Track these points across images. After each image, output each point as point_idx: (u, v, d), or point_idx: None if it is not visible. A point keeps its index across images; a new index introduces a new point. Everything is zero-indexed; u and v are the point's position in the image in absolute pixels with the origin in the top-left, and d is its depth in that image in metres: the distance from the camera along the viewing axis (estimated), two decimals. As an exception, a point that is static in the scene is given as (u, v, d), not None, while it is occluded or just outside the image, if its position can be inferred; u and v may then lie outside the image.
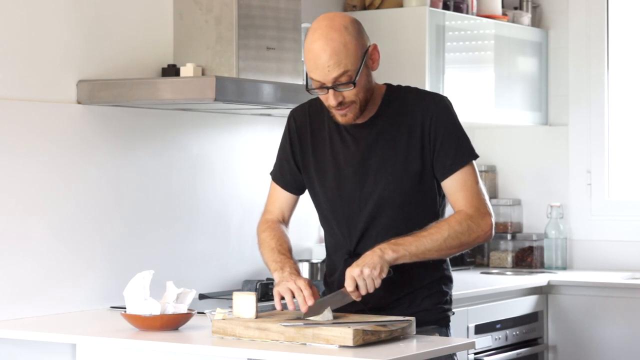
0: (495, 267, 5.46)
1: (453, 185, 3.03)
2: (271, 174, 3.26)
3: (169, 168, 4.05)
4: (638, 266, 5.24)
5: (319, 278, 4.28)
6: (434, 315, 3.09)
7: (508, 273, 5.22)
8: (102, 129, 3.80)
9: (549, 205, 5.39)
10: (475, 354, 4.39)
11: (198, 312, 3.34)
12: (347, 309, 2.97)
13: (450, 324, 3.15)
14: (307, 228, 4.53)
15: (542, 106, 5.48)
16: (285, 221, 3.24)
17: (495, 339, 4.52)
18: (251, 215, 4.22)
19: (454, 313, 3.17)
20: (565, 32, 5.49)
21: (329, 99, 2.97)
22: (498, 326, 4.55)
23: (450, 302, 3.15)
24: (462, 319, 4.29)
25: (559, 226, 5.36)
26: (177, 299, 3.26)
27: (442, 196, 3.11)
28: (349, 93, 2.96)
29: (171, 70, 3.92)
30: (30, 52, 3.59)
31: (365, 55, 2.97)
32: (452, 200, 3.04)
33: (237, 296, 3.02)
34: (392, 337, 2.87)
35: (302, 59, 3.88)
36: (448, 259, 3.13)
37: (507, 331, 4.61)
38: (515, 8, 5.46)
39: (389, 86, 3.13)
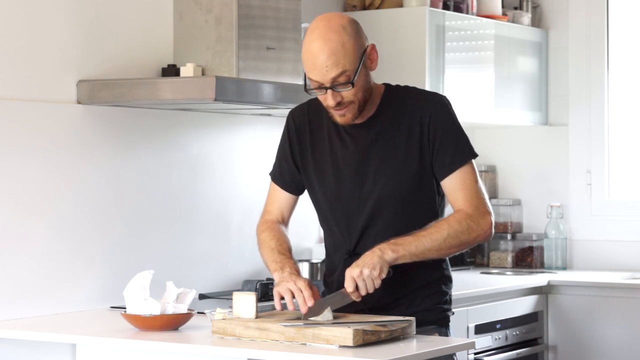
0: (495, 267, 5.46)
1: (452, 185, 3.03)
2: (270, 174, 3.26)
3: (169, 168, 4.04)
4: (638, 266, 5.24)
5: (319, 278, 4.28)
6: (434, 315, 3.09)
7: (508, 273, 5.22)
8: (102, 129, 3.80)
9: (549, 205, 5.39)
10: (475, 354, 4.39)
11: (198, 312, 3.34)
12: (347, 309, 2.97)
13: (450, 324, 3.15)
14: (307, 228, 4.53)
15: (542, 106, 5.48)
16: (284, 221, 3.24)
17: (495, 339, 4.52)
18: (251, 215, 4.22)
19: (453, 313, 3.17)
20: (565, 32, 5.49)
21: (328, 99, 2.97)
22: (498, 326, 4.55)
23: (450, 302, 3.15)
24: (462, 319, 4.29)
25: (559, 226, 5.36)
26: (177, 299, 3.26)
27: (442, 195, 3.11)
28: (348, 93, 2.96)
29: (171, 70, 3.92)
30: (30, 52, 3.59)
31: (364, 55, 2.97)
32: (452, 200, 3.05)
33: (237, 296, 3.02)
34: (392, 337, 2.87)
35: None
36: (447, 258, 3.13)
37: (507, 331, 4.61)
38: (515, 8, 5.46)
39: (387, 86, 3.13)
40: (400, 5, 4.86)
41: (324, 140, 3.13)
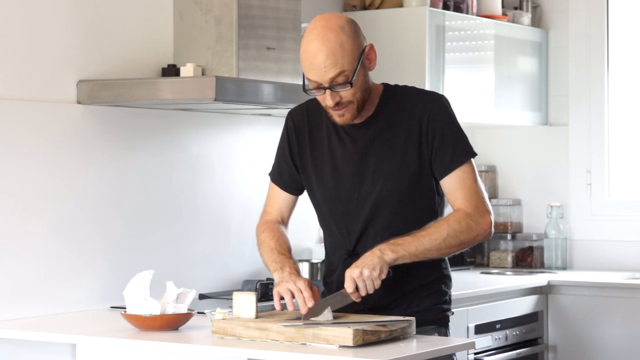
0: (495, 267, 5.46)
1: (452, 184, 3.03)
2: (270, 174, 3.26)
3: (169, 168, 4.05)
4: (638, 266, 5.24)
5: (318, 278, 4.28)
6: (433, 315, 3.09)
7: (508, 273, 5.22)
8: (102, 129, 3.80)
9: (549, 205, 5.39)
10: (475, 354, 4.39)
11: (198, 312, 3.34)
12: (347, 308, 2.97)
13: (450, 324, 3.15)
14: (307, 228, 4.53)
15: (542, 106, 5.48)
16: (284, 222, 3.24)
17: (495, 339, 4.52)
18: (251, 215, 4.22)
19: (453, 313, 3.17)
20: (565, 32, 5.49)
21: (326, 100, 2.97)
22: (498, 326, 4.55)
23: (449, 302, 3.15)
24: (462, 319, 4.29)
25: (559, 226, 5.36)
26: (177, 299, 3.26)
27: (441, 195, 3.11)
28: (346, 93, 2.96)
29: (171, 70, 3.92)
30: (30, 52, 3.59)
31: (362, 55, 2.97)
32: (451, 199, 3.04)
33: (237, 296, 3.02)
34: (392, 337, 2.86)
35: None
36: (447, 258, 3.13)
37: (507, 331, 4.61)
38: (515, 8, 5.46)
39: (386, 86, 3.13)
40: (400, 5, 4.86)
41: (323, 140, 3.13)
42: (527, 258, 5.45)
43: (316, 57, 2.92)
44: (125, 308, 3.26)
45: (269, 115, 4.30)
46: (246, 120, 4.36)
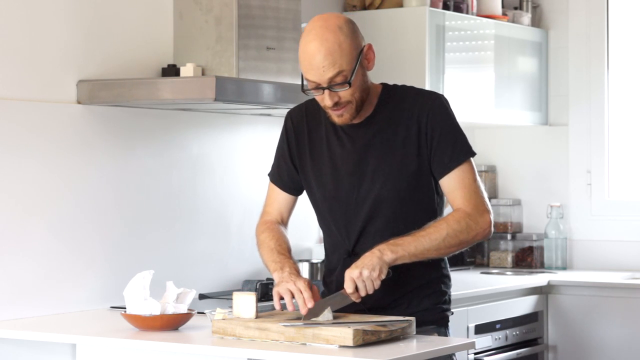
0: (495, 267, 5.46)
1: (451, 184, 3.03)
2: (269, 175, 3.26)
3: (169, 168, 4.05)
4: (638, 266, 5.24)
5: (318, 278, 4.28)
6: (433, 315, 3.09)
7: (508, 273, 5.22)
8: (102, 129, 3.80)
9: (549, 205, 5.39)
10: (475, 354, 4.39)
11: (198, 312, 3.34)
12: (346, 309, 2.97)
13: (450, 324, 3.15)
14: (307, 228, 4.53)
15: (542, 106, 5.48)
16: (284, 222, 3.24)
17: (495, 339, 4.52)
18: (251, 215, 4.22)
19: (452, 313, 3.17)
20: (565, 32, 5.49)
21: (325, 100, 2.97)
22: (498, 326, 4.55)
23: (449, 302, 3.15)
24: (462, 319, 4.29)
25: (559, 226, 5.36)
26: (177, 299, 3.26)
27: (441, 195, 3.11)
28: (345, 93, 2.96)
29: (171, 70, 3.92)
30: (30, 52, 3.59)
31: (360, 55, 2.97)
32: (450, 199, 3.04)
33: (237, 296, 3.02)
34: (392, 337, 2.86)
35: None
36: (446, 257, 3.12)
37: (507, 331, 4.61)
38: (515, 8, 5.46)
39: (385, 86, 3.13)
40: (400, 5, 4.86)
41: (322, 140, 3.13)
42: (527, 258, 5.45)
43: (314, 57, 2.92)
44: (125, 308, 3.26)
45: (269, 115, 4.30)
46: (246, 120, 4.36)
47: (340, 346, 2.77)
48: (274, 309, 3.06)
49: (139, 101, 3.70)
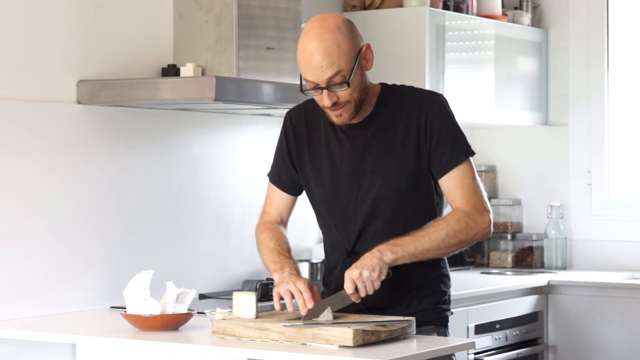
0: (495, 267, 5.46)
1: (450, 183, 3.03)
2: (268, 175, 3.26)
3: (169, 168, 4.05)
4: (638, 266, 5.24)
5: (318, 278, 4.28)
6: (433, 315, 3.09)
7: (508, 273, 5.22)
8: (102, 129, 3.80)
9: (549, 205, 5.39)
10: (475, 354, 4.39)
11: (198, 312, 3.34)
12: (346, 308, 2.97)
13: (449, 323, 3.15)
14: (307, 228, 4.53)
15: (542, 106, 5.48)
16: (283, 222, 3.24)
17: (495, 339, 4.52)
18: (251, 215, 4.22)
19: (452, 313, 3.17)
20: (565, 32, 5.49)
21: (324, 100, 2.97)
22: (498, 326, 4.55)
23: (448, 301, 3.15)
24: (462, 319, 4.29)
25: (559, 226, 5.36)
26: (177, 299, 3.26)
27: (440, 195, 3.11)
28: (344, 93, 2.96)
29: (171, 70, 3.92)
30: (30, 52, 3.59)
31: (359, 55, 2.97)
32: (450, 198, 3.05)
33: (237, 296, 3.02)
34: (392, 337, 2.86)
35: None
36: (446, 257, 3.12)
37: (507, 331, 4.61)
38: (515, 8, 5.46)
39: (384, 85, 3.13)
40: (400, 5, 4.86)
41: (321, 140, 3.13)
42: (527, 258, 5.45)
43: (313, 58, 2.92)
44: (125, 308, 3.26)
45: (269, 115, 4.30)
46: (246, 120, 4.36)
47: (340, 346, 2.77)
48: (274, 309, 3.06)
49: (139, 101, 3.70)
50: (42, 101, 3.62)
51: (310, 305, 2.90)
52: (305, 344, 2.82)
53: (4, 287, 3.49)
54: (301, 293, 2.91)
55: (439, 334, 3.07)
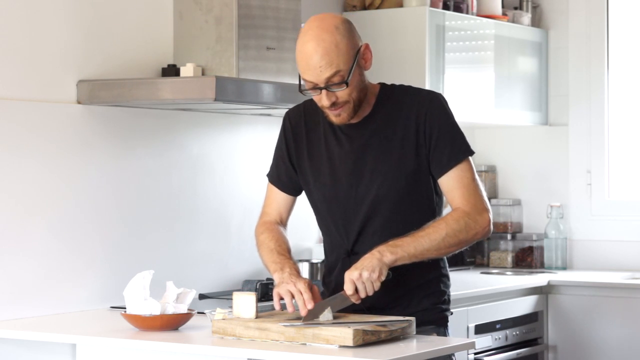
0: (495, 267, 5.46)
1: (449, 183, 3.03)
2: (268, 175, 3.26)
3: (169, 168, 4.04)
4: (638, 266, 5.24)
5: (318, 278, 4.28)
6: (432, 315, 3.09)
7: (508, 273, 5.22)
8: (102, 129, 3.80)
9: (549, 205, 5.39)
10: (475, 354, 4.39)
11: (198, 312, 3.34)
12: (346, 308, 2.96)
13: (449, 323, 3.15)
14: (307, 228, 4.53)
15: (542, 106, 5.48)
16: (283, 222, 3.24)
17: (495, 339, 4.52)
18: (251, 215, 4.22)
19: (452, 313, 3.17)
20: (565, 32, 5.49)
21: (322, 100, 2.97)
22: (498, 326, 4.55)
23: (448, 301, 3.15)
24: (462, 319, 4.29)
25: (559, 226, 5.36)
26: (177, 299, 3.26)
27: (440, 194, 3.11)
28: (342, 93, 2.96)
29: (171, 70, 3.92)
30: (30, 52, 3.59)
31: (357, 55, 2.97)
32: (449, 198, 3.05)
33: (237, 296, 3.02)
34: (392, 337, 2.86)
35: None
36: (445, 257, 3.12)
37: (507, 331, 4.61)
38: (515, 8, 5.46)
39: (382, 85, 3.13)
40: (400, 5, 4.86)
41: (320, 140, 3.13)
42: (527, 258, 5.45)
43: (312, 58, 2.92)
44: (125, 308, 3.26)
45: (269, 115, 4.30)
46: (246, 120, 4.36)
47: (340, 346, 2.77)
48: (274, 309, 3.06)
49: (139, 101, 3.70)
50: (42, 101, 3.62)
51: (310, 305, 2.90)
52: (305, 344, 2.82)
53: (4, 287, 3.49)
54: (301, 294, 2.91)
55: (439, 334, 3.07)
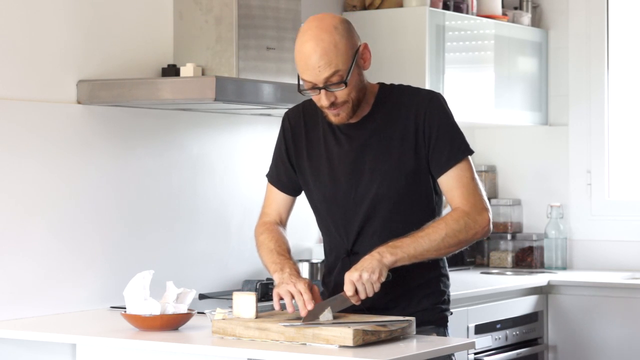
0: (495, 267, 5.46)
1: (449, 182, 3.03)
2: (267, 176, 3.26)
3: (169, 168, 4.04)
4: (638, 266, 5.24)
5: (318, 278, 4.28)
6: (432, 315, 3.09)
7: (508, 273, 5.22)
8: (102, 129, 3.80)
9: (549, 205, 5.39)
10: (475, 354, 4.39)
11: (198, 312, 3.34)
12: (346, 308, 2.96)
13: (449, 323, 3.15)
14: (307, 228, 4.53)
15: (542, 106, 5.48)
16: (282, 223, 3.24)
17: (495, 339, 4.52)
18: (251, 215, 4.22)
19: (451, 313, 3.17)
20: (565, 32, 5.49)
21: (321, 100, 2.97)
22: (498, 326, 4.55)
23: (448, 301, 3.15)
24: (462, 319, 4.29)
25: (559, 226, 5.36)
26: (177, 299, 3.26)
27: (439, 194, 3.11)
28: (341, 93, 2.96)
29: (171, 70, 3.92)
30: (30, 52, 3.59)
31: (356, 55, 2.97)
32: (449, 198, 3.05)
33: (237, 296, 3.02)
34: (392, 337, 2.86)
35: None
36: (445, 257, 3.12)
37: (507, 331, 4.61)
38: (515, 8, 5.46)
39: (381, 85, 3.13)
40: (400, 5, 4.86)
41: (319, 140, 3.13)
42: (527, 258, 5.45)
43: (310, 58, 2.92)
44: (125, 308, 3.26)
45: (269, 115, 4.30)
46: (246, 120, 4.36)
47: (340, 346, 2.77)
48: (273, 309, 3.06)
49: (139, 101, 3.70)
50: (42, 101, 3.62)
51: (310, 306, 2.90)
52: (305, 344, 2.82)
53: (4, 287, 3.49)
54: (301, 294, 2.91)
55: (438, 334, 3.07)
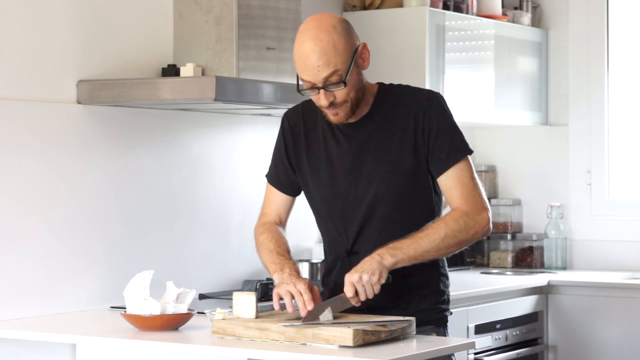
0: (495, 267, 5.46)
1: (448, 182, 3.03)
2: (266, 176, 3.26)
3: (169, 168, 4.05)
4: (638, 266, 5.24)
5: (318, 278, 4.28)
6: (432, 315, 3.09)
7: (508, 273, 5.22)
8: (102, 129, 3.80)
9: (549, 205, 5.39)
10: (475, 354, 4.39)
11: (198, 312, 3.34)
12: (346, 309, 2.97)
13: (448, 323, 3.15)
14: (307, 228, 4.52)
15: (542, 106, 5.48)
16: (282, 223, 3.24)
17: (495, 339, 4.52)
18: (251, 215, 4.21)
19: (451, 313, 3.17)
20: (565, 32, 5.49)
21: (320, 99, 2.97)
22: (498, 326, 4.55)
23: (448, 301, 3.15)
24: (462, 319, 4.29)
25: (559, 226, 5.36)
26: (177, 299, 3.26)
27: (439, 193, 3.11)
28: (340, 93, 2.96)
29: (171, 70, 3.92)
30: (30, 52, 3.60)
31: (355, 54, 2.97)
32: (448, 197, 3.05)
33: (237, 296, 3.02)
34: (392, 337, 2.86)
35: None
36: (445, 257, 3.12)
37: (507, 331, 4.61)
38: (515, 8, 5.46)
39: (381, 85, 3.13)
40: (400, 5, 4.86)
41: (319, 140, 3.13)
42: (527, 258, 5.45)
43: (309, 57, 2.92)
44: (125, 308, 3.26)
45: (269, 115, 4.30)
46: (246, 120, 4.36)
47: (340, 346, 2.77)
48: (273, 309, 3.06)
49: (139, 101, 3.70)
50: (42, 101, 3.62)
51: (310, 306, 2.90)
52: (305, 344, 2.82)
53: (4, 287, 3.49)
54: (301, 294, 2.91)
55: (438, 334, 3.07)
